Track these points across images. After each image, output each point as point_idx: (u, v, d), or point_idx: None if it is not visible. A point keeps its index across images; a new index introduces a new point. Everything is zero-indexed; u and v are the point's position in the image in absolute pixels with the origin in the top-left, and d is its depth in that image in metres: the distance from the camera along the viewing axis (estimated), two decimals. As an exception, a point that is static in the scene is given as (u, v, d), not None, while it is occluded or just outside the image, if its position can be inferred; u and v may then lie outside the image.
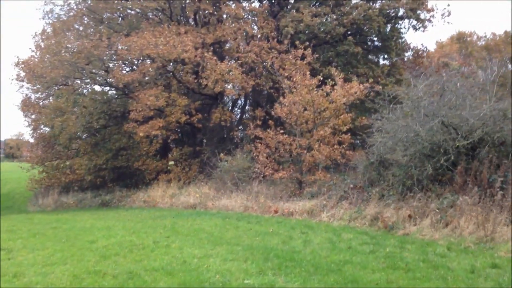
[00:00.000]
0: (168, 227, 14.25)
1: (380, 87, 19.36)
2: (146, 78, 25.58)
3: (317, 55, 21.79)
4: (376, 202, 13.85)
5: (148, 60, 25.18)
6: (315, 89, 18.46)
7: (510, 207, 10.40)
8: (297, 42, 20.78)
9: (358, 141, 22.28)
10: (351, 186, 15.36)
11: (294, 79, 18.55)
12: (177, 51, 22.00)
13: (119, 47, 24.76)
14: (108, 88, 28.80)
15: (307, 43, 21.18)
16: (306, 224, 14.04)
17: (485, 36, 55.31)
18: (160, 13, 27.96)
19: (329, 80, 18.57)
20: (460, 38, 55.82)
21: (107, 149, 27.98)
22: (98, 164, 28.00)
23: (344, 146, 18.39)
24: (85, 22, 29.34)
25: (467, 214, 11.09)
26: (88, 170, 28.35)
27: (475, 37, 56.56)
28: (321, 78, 18.87)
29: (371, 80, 19.53)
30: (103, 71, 25.66)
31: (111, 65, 27.20)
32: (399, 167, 13.90)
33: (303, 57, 19.73)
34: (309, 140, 18.40)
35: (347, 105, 19.00)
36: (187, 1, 26.75)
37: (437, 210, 11.94)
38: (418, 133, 13.17)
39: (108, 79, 25.32)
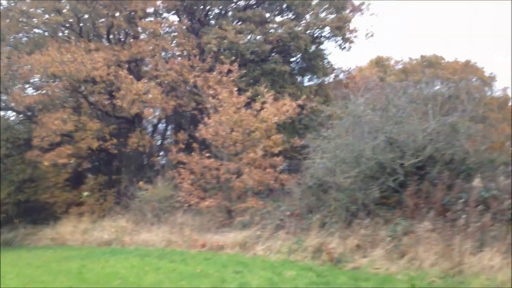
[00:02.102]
0: (74, 272, 11.86)
1: (314, 104, 18.07)
2: (55, 100, 22.86)
3: (244, 71, 20.16)
4: (317, 231, 12.22)
5: (55, 80, 22.48)
6: (243, 108, 16.80)
7: (475, 233, 9.09)
8: (222, 57, 19.12)
9: (289, 164, 20.77)
10: (288, 213, 13.66)
11: (220, 97, 16.76)
12: (87, 69, 19.64)
13: (25, 67, 21.91)
14: (10, 112, 25.69)
15: (233, 58, 19.51)
16: (239, 260, 12.16)
17: (402, 60, 56.65)
18: (68, 30, 25.41)
19: (259, 97, 17.01)
20: (379, 62, 56.87)
21: (9, 181, 24.76)
22: (-1, 198, 24.74)
23: (277, 169, 16.73)
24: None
25: (425, 242, 9.70)
26: (-12, 206, 24.97)
27: (392, 61, 57.79)
28: (250, 96, 17.26)
29: (303, 97, 18.17)
30: (2, 94, 22.66)
31: (15, 88, 24.17)
32: (341, 191, 12.40)
33: (228, 73, 18.02)
34: (238, 164, 16.58)
35: (277, 125, 17.44)
36: (100, 18, 24.43)
37: (389, 238, 10.48)
38: (362, 151, 11.78)
39: (7, 103, 22.34)
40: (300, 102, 17.04)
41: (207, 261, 12.14)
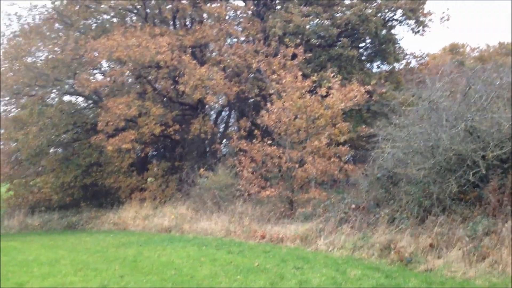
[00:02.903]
0: (129, 259, 11.53)
1: (384, 90, 16.91)
2: (120, 85, 22.92)
3: (309, 55, 19.12)
4: (385, 227, 11.24)
5: (120, 65, 22.44)
6: (308, 94, 15.92)
7: None
8: (286, 40, 18.23)
9: (355, 155, 19.70)
10: (353, 206, 12.73)
11: (284, 81, 15.95)
12: (151, 53, 19.40)
13: (91, 52, 22.02)
14: (78, 97, 26.09)
15: (298, 40, 18.52)
16: (300, 254, 11.40)
17: (479, 47, 53.41)
18: (134, 16, 25.42)
19: (325, 81, 16.08)
20: (453, 49, 53.95)
21: (76, 165, 25.23)
22: (65, 181, 25.27)
23: (342, 159, 15.76)
24: (56, 28, 26.64)
25: (509, 244, 8.54)
26: (55, 189, 25.58)
27: (468, 48, 54.70)
28: (315, 80, 16.34)
29: (373, 82, 17.01)
30: (70, 79, 22.92)
31: (80, 71, 24.45)
32: (413, 184, 11.32)
33: (293, 57, 17.09)
34: (301, 152, 15.77)
35: (343, 113, 16.42)
36: (166, 3, 24.15)
37: (467, 239, 9.37)
38: (438, 141, 10.64)
39: (74, 87, 22.59)
40: (369, 87, 15.91)
41: (266, 254, 11.48)
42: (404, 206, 11.29)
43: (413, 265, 9.47)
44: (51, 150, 27.36)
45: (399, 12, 24.21)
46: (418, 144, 10.95)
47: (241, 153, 17.65)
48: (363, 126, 16.58)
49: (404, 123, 11.84)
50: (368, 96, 16.16)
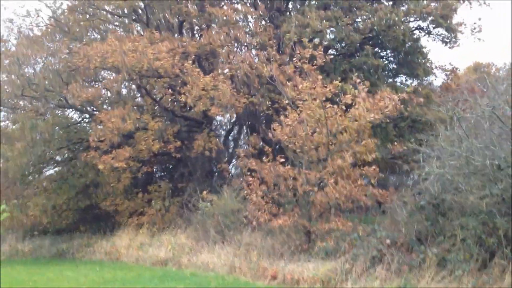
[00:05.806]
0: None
1: (421, 99, 14.29)
2: (114, 96, 20.67)
3: (330, 57, 16.46)
4: (434, 271, 8.55)
5: (116, 73, 20.15)
6: (329, 103, 13.35)
7: None
8: (304, 40, 15.69)
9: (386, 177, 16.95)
10: (388, 242, 10.04)
11: (300, 87, 13.36)
12: (148, 59, 17.07)
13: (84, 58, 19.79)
14: (73, 110, 23.78)
15: (318, 40, 15.96)
16: (321, 305, 8.75)
17: (504, 67, 50.70)
18: (138, 25, 23.18)
19: (351, 87, 13.49)
20: (477, 69, 51.47)
21: (71, 186, 22.88)
22: (58, 203, 22.91)
23: (373, 182, 12.98)
24: (56, 38, 24.58)
25: None
26: (45, 211, 23.16)
27: (493, 68, 52.13)
28: (339, 85, 13.73)
29: (409, 89, 14.32)
30: (60, 88, 20.64)
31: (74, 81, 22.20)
32: (471, 215, 8.62)
33: (312, 60, 14.47)
34: (320, 173, 13.11)
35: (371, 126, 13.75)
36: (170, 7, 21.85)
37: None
38: (507, 159, 7.98)
39: (66, 98, 20.35)
40: (404, 95, 13.22)
41: (277, 305, 8.86)
42: (459, 245, 8.57)
43: (482, 332, 6.78)
44: (46, 169, 25.22)
45: (429, 20, 21.71)
46: (481, 163, 8.25)
47: (250, 173, 15.03)
48: (394, 144, 13.86)
49: (456, 136, 9.18)
50: (400, 106, 13.44)
